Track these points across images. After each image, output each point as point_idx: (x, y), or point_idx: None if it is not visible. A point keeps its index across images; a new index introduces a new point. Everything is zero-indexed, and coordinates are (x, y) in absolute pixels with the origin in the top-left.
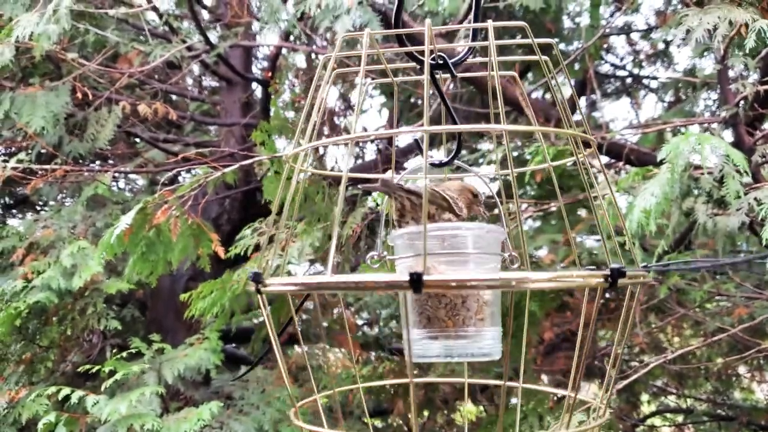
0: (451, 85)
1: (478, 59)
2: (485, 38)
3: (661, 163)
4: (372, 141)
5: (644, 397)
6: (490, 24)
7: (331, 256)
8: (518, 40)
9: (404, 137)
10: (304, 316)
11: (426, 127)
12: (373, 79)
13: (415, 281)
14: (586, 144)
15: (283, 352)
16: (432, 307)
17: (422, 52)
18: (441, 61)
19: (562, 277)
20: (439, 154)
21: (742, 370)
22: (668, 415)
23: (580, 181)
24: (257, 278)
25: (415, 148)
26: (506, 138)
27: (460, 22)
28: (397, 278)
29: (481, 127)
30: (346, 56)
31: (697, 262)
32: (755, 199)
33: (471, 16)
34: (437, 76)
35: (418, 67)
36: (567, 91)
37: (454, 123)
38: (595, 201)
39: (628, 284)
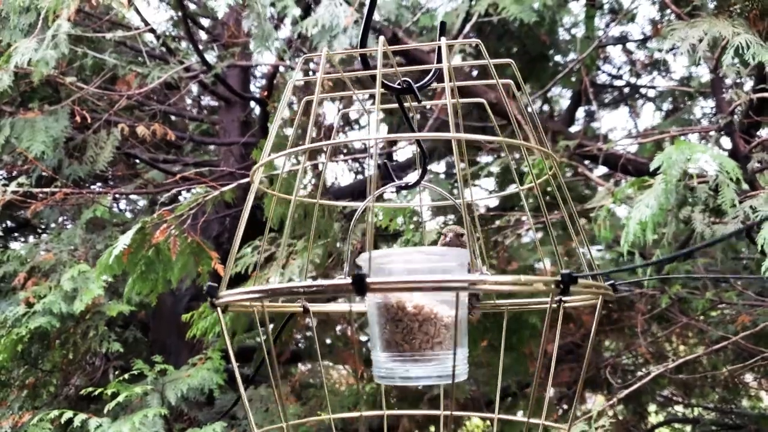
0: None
1: (478, 81)
2: (477, 56)
3: (657, 172)
4: (370, 156)
5: (651, 407)
6: (443, 42)
7: (305, 268)
8: (484, 61)
9: (403, 151)
10: (308, 333)
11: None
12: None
13: (358, 283)
14: (587, 157)
15: (286, 371)
16: (390, 330)
17: (388, 77)
18: (406, 86)
19: (516, 282)
20: (439, 167)
21: (748, 378)
22: (676, 425)
23: (578, 193)
24: (211, 292)
25: (414, 161)
26: (458, 146)
27: (455, 37)
28: (341, 282)
29: (438, 135)
30: (307, 79)
31: (696, 275)
32: (750, 207)
33: (457, 33)
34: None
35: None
36: (565, 104)
37: (419, 143)
38: (584, 214)
39: (582, 293)
